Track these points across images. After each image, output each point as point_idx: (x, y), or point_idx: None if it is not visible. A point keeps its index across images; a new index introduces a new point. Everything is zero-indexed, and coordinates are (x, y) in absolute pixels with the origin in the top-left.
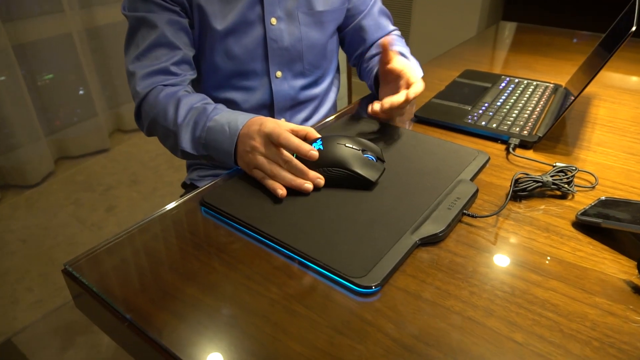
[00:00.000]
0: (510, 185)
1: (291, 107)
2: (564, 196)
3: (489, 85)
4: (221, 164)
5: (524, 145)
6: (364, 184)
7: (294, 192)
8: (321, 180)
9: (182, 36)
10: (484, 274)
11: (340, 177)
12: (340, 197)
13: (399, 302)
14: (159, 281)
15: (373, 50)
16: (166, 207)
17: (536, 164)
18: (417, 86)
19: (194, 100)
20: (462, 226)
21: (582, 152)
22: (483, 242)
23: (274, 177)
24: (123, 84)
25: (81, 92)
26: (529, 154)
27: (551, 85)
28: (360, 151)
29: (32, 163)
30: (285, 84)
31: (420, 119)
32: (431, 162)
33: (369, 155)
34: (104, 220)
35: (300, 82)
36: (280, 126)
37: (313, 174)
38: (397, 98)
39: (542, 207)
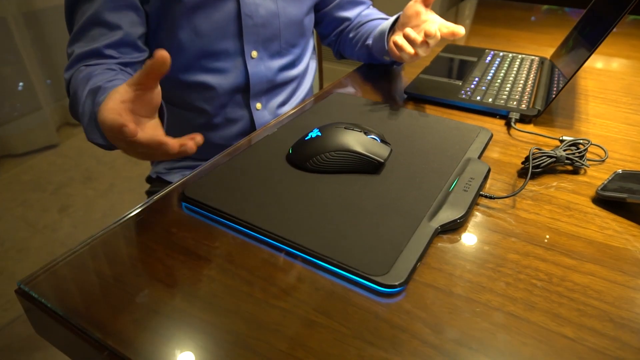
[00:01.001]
0: (529, 161)
1: (268, 90)
2: (575, 171)
3: (474, 59)
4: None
5: (523, 119)
6: (371, 167)
7: (293, 182)
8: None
9: (127, 14)
10: (515, 261)
11: (344, 161)
12: (345, 184)
13: (430, 301)
14: (141, 296)
15: (358, 20)
16: (138, 206)
17: (541, 139)
18: (447, 23)
19: (98, 78)
20: (479, 209)
21: (582, 124)
22: (505, 225)
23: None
24: None
25: (21, 84)
26: (530, 128)
27: (537, 58)
28: (363, 133)
29: None
30: (261, 65)
31: (411, 96)
32: (434, 141)
33: (373, 136)
34: (58, 222)
35: (277, 62)
36: (107, 118)
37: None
38: (430, 26)
39: (555, 183)
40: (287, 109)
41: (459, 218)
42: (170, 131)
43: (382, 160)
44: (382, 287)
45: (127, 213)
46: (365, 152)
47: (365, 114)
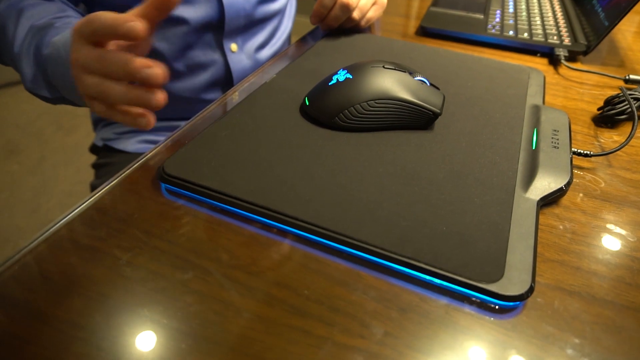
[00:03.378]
0: (630, 104)
1: (245, 27)
2: None
3: None
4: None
5: (571, 57)
6: (423, 121)
7: (319, 146)
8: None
9: None
10: None
11: (387, 113)
12: (391, 146)
13: (569, 314)
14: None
15: None
16: (94, 193)
17: (601, 79)
18: None
19: (40, 14)
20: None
21: (638, 60)
22: (612, 191)
23: (115, 100)
24: None
25: None
26: (579, 66)
27: None
28: (408, 73)
29: None
30: None
31: (427, 31)
32: (480, 84)
33: (420, 78)
34: None
35: None
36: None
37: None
38: None
39: None
40: (267, 53)
41: (565, 185)
42: None
43: (439, 111)
44: (499, 299)
45: (85, 200)
46: (418, 100)
47: (382, 53)
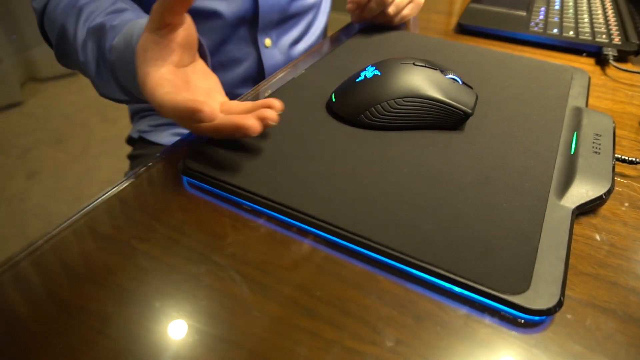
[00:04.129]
0: None
1: (279, 22)
2: None
3: None
4: None
5: (621, 57)
6: (454, 121)
7: (343, 144)
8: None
9: None
10: None
11: (416, 112)
12: (418, 147)
13: (602, 333)
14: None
15: None
16: (118, 184)
17: None
18: None
19: (95, 11)
20: (617, 178)
21: None
22: None
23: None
24: (30, 19)
25: None
26: (630, 67)
27: None
28: (440, 71)
29: None
30: None
31: (465, 29)
32: (518, 84)
33: (452, 76)
34: (27, 190)
35: None
36: (166, 101)
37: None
38: None
39: None
40: (301, 48)
41: (605, 194)
42: None
43: (470, 111)
44: (523, 312)
45: (104, 192)
46: (448, 99)
47: (415, 50)
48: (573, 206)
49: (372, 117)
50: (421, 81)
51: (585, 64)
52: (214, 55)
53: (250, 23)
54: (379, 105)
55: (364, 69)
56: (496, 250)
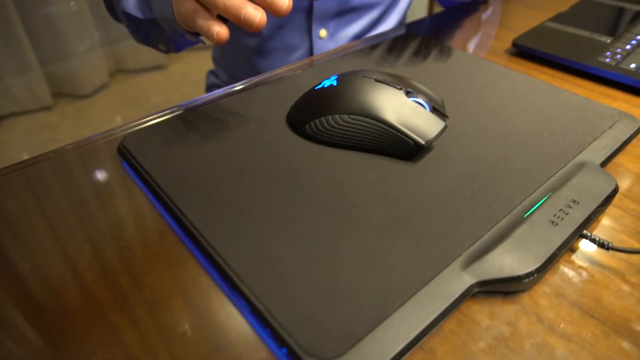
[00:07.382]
0: None
1: (338, 14)
2: None
3: None
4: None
5: None
6: (403, 150)
7: (275, 155)
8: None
9: None
10: None
11: (360, 133)
12: (354, 171)
13: None
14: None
15: None
16: (67, 145)
17: None
18: None
19: None
20: (574, 261)
21: None
22: (627, 311)
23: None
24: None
25: None
26: None
27: None
28: (404, 92)
29: (86, 73)
30: None
31: (521, 50)
32: (534, 123)
33: (419, 100)
34: None
35: None
36: None
37: None
38: None
39: None
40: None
41: (525, 275)
42: (219, 55)
43: (423, 143)
44: None
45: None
46: (400, 124)
47: (441, 66)
48: (473, 280)
49: (315, 130)
50: (375, 100)
51: None
52: (270, 39)
53: (306, 11)
54: (323, 119)
55: (330, 77)
56: (342, 304)
